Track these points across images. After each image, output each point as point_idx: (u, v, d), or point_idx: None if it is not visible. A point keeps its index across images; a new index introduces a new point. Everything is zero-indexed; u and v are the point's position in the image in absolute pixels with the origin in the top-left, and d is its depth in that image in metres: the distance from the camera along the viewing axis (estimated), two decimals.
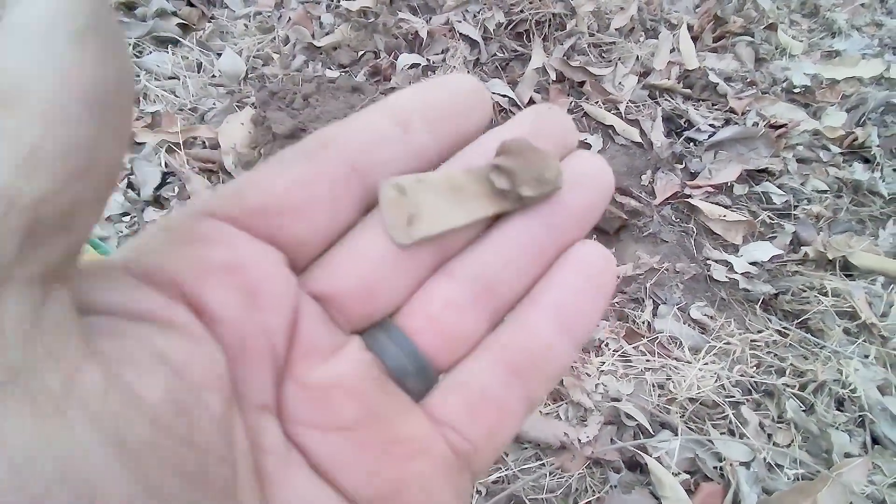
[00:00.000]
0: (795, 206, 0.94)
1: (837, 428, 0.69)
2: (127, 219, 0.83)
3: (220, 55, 1.00)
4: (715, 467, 0.67)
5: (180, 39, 1.02)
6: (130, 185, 0.85)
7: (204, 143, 0.90)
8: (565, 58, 1.06)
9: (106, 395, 0.09)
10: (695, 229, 0.91)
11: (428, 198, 0.15)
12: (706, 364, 0.75)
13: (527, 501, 0.64)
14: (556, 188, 0.15)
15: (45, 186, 0.08)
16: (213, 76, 0.99)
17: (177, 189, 0.85)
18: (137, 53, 0.99)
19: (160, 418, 0.09)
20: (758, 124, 1.00)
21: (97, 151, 0.09)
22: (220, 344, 0.12)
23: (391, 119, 0.15)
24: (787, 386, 0.74)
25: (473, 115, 0.15)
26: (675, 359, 0.76)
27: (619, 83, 1.07)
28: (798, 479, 0.66)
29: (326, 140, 0.14)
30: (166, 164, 0.86)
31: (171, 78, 0.97)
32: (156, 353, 0.10)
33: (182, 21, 1.04)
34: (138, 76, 0.96)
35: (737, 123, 1.01)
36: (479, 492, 0.64)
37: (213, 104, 0.94)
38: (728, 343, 0.78)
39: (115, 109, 0.09)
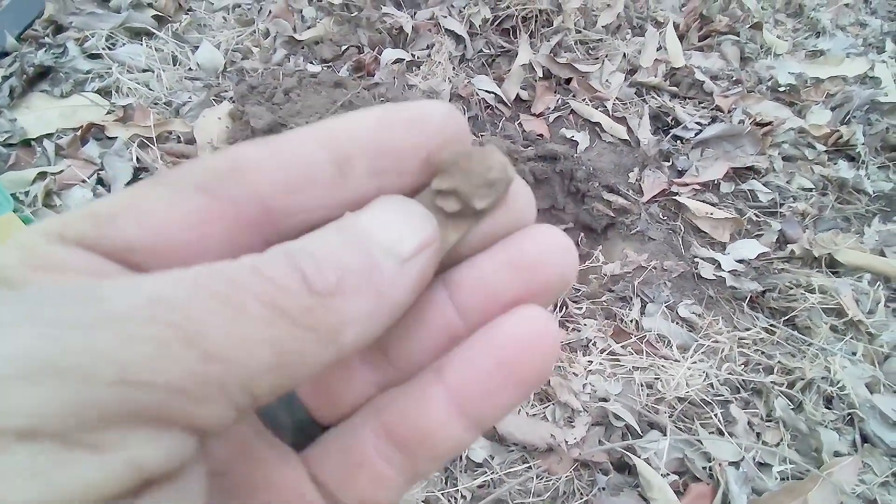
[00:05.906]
0: (781, 204, 0.93)
1: (826, 426, 0.69)
2: None
3: (196, 48, 0.97)
4: (704, 467, 0.66)
5: (155, 31, 0.98)
6: (101, 181, 0.82)
7: (178, 137, 0.87)
8: (552, 54, 1.05)
9: None
10: (682, 227, 0.90)
11: None
12: (694, 363, 0.74)
13: None
14: (509, 182, 0.13)
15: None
16: (190, 69, 0.95)
17: None
18: (110, 45, 0.96)
19: None
20: (744, 122, 1.00)
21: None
22: None
23: (329, 154, 0.12)
24: (776, 384, 0.73)
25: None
26: (664, 357, 0.75)
27: (606, 80, 1.06)
28: (787, 479, 0.65)
29: (241, 165, 0.11)
30: (138, 160, 0.83)
31: (144, 70, 0.94)
32: None
33: (158, 13, 1.01)
34: (110, 69, 0.92)
35: (723, 121, 1.01)
36: (463, 497, 0.62)
37: (189, 98, 0.90)
38: (716, 341, 0.77)
39: None
